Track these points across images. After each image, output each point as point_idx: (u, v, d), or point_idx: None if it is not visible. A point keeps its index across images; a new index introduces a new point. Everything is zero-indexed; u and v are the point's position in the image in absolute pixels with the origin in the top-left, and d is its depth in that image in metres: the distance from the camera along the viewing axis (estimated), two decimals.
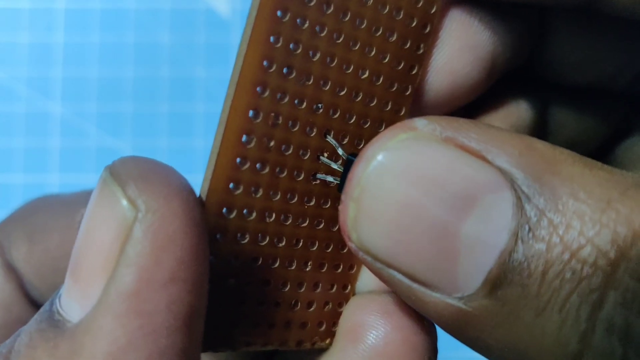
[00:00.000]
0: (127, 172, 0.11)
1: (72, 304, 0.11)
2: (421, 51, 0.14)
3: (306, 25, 0.13)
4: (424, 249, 0.11)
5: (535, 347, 0.11)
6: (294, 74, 0.13)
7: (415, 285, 0.11)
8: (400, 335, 0.13)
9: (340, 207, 0.12)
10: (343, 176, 0.13)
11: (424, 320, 0.14)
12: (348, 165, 0.13)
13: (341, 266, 0.15)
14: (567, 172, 0.11)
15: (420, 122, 0.11)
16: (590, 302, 0.10)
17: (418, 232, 0.11)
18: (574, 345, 0.10)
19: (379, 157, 0.11)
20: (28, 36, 0.33)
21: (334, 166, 0.13)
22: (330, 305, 0.15)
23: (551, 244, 0.10)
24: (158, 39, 0.34)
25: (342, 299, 0.15)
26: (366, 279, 0.15)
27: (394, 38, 0.14)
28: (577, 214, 0.10)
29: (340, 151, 0.13)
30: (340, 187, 0.13)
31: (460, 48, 0.14)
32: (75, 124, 0.33)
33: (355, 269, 0.15)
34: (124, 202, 0.10)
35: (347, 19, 0.13)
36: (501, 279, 0.11)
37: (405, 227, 0.11)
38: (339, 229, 0.14)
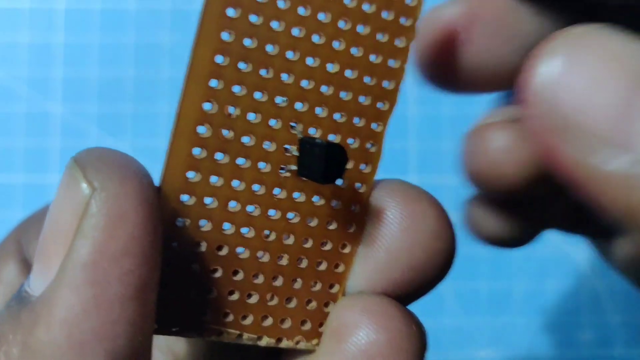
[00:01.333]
0: (88, 158, 0.12)
1: (37, 280, 0.12)
2: (402, 45, 0.14)
3: (261, 20, 0.13)
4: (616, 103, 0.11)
5: None
6: (250, 67, 0.13)
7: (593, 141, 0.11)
8: (386, 337, 0.13)
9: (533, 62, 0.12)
10: (298, 158, 0.13)
11: (413, 323, 0.14)
12: (302, 147, 0.13)
13: (324, 263, 0.14)
14: None
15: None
16: None
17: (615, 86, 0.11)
18: None
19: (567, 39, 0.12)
20: (28, 36, 0.33)
21: (297, 154, 0.14)
22: (315, 304, 0.14)
23: None
24: (159, 40, 0.34)
25: (329, 299, 0.15)
26: (357, 280, 0.15)
27: (367, 31, 0.14)
28: None
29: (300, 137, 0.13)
30: (298, 170, 0.13)
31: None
32: (76, 124, 0.33)
33: (342, 267, 0.15)
34: (83, 183, 0.11)
35: (308, 13, 0.13)
36: None
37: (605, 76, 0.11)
38: (318, 224, 0.14)
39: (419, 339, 0.14)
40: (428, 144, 0.34)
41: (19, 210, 0.33)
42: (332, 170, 0.13)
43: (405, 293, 0.14)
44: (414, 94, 0.35)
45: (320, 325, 0.15)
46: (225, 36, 0.13)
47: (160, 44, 0.34)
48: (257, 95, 0.13)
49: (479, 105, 0.35)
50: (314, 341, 0.15)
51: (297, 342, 0.15)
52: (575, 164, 0.12)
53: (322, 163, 0.12)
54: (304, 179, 0.14)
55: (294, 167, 0.14)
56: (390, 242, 0.14)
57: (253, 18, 0.13)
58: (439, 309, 0.33)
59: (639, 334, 0.34)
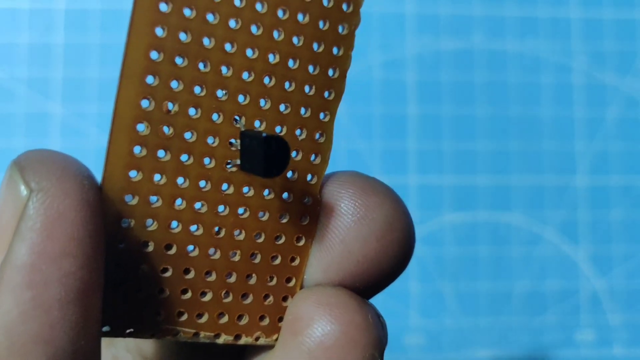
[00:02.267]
0: (27, 160, 0.12)
1: None
2: (345, 32, 0.14)
3: (195, 12, 0.12)
4: None
5: None
6: (187, 62, 0.13)
7: None
8: (341, 328, 0.13)
9: None
10: (240, 153, 0.13)
11: (369, 314, 0.14)
12: (243, 141, 0.13)
13: (279, 257, 0.14)
14: None
15: None
16: None
17: None
18: None
19: None
20: (28, 36, 0.33)
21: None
22: (272, 299, 0.14)
23: None
24: None
25: (287, 293, 0.14)
26: (313, 272, 0.14)
27: (307, 20, 0.13)
28: None
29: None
30: (241, 165, 0.13)
31: None
32: (76, 124, 0.33)
33: (297, 261, 0.14)
34: (21, 185, 0.11)
35: (244, 4, 0.13)
36: None
37: None
38: (270, 218, 0.14)
39: (375, 329, 0.14)
40: (428, 144, 0.34)
41: None
42: (273, 163, 0.12)
43: (363, 285, 0.14)
44: (414, 94, 0.35)
45: (280, 320, 0.14)
46: (159, 31, 0.12)
47: None
48: (197, 89, 0.13)
49: (479, 105, 0.35)
50: (274, 336, 0.14)
51: (257, 338, 0.14)
52: None
53: (263, 156, 0.12)
54: (248, 173, 0.13)
55: (239, 162, 0.13)
56: (345, 233, 0.14)
57: (187, 12, 0.12)
58: (440, 309, 0.33)
59: (639, 334, 0.34)
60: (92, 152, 0.33)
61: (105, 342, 0.16)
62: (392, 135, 0.34)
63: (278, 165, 0.12)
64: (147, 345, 0.17)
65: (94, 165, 0.14)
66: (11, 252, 0.11)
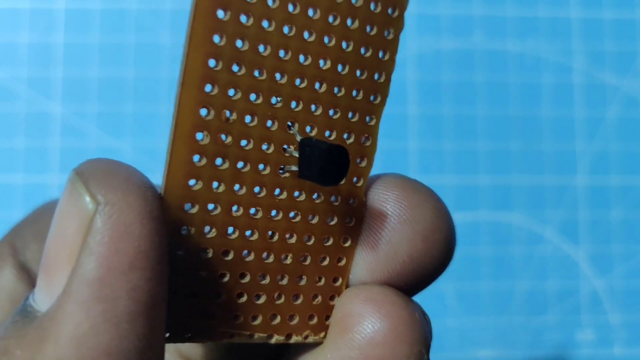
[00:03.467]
0: (90, 171, 0.12)
1: (42, 295, 0.12)
2: (391, 36, 0.14)
3: (252, 20, 0.12)
4: None
5: None
6: (244, 70, 0.13)
7: None
8: (390, 324, 0.13)
9: None
10: (299, 161, 0.13)
11: (416, 311, 0.14)
12: (302, 149, 0.13)
13: (327, 258, 0.15)
14: None
15: None
16: None
17: None
18: None
19: None
20: (28, 36, 0.33)
21: (296, 155, 0.13)
22: (320, 299, 0.15)
23: None
24: (159, 40, 0.34)
25: (334, 292, 0.15)
26: (359, 272, 0.15)
27: (356, 25, 0.14)
28: None
29: (299, 139, 0.13)
30: (299, 172, 0.13)
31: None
32: (76, 124, 0.33)
33: (344, 261, 0.15)
34: (86, 197, 0.11)
35: (297, 10, 0.13)
36: None
37: None
38: (319, 221, 0.14)
39: (422, 326, 0.14)
40: (428, 144, 0.34)
41: (19, 210, 0.32)
42: (333, 172, 0.12)
43: (408, 284, 0.15)
44: (415, 94, 0.35)
45: (327, 318, 0.15)
46: (216, 39, 0.12)
47: (161, 44, 0.34)
48: (253, 97, 0.13)
49: (480, 105, 0.35)
50: (322, 334, 0.15)
51: (306, 337, 0.15)
52: None
53: (323, 165, 0.12)
54: (306, 180, 0.13)
55: (293, 168, 0.13)
56: (391, 234, 0.14)
57: (243, 18, 0.12)
58: (441, 309, 0.33)
59: (639, 333, 0.34)
60: (92, 152, 0.33)
61: None
62: (392, 135, 0.34)
63: (337, 174, 0.13)
64: (185, 345, 0.17)
65: None
66: (79, 266, 0.11)
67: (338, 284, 0.15)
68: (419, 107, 0.34)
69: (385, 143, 0.37)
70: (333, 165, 0.12)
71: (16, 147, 0.33)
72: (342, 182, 0.14)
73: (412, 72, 0.34)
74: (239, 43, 0.12)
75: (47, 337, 0.11)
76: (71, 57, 0.33)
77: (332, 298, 0.15)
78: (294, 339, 0.15)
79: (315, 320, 0.15)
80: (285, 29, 0.13)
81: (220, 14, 0.12)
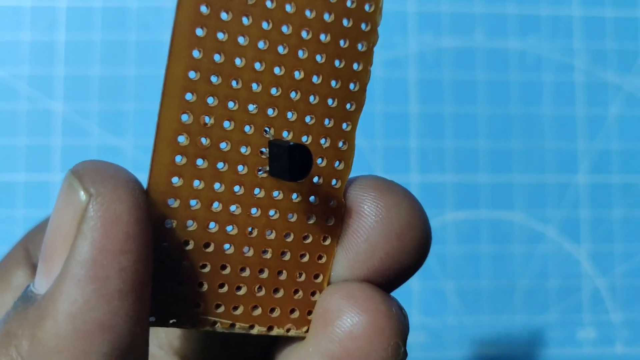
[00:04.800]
0: (84, 169, 0.13)
1: (41, 281, 0.13)
2: (364, 49, 0.15)
3: (228, 36, 0.14)
4: None
5: None
6: (221, 80, 0.14)
7: None
8: (368, 318, 0.14)
9: None
10: (269, 160, 0.14)
11: (393, 306, 0.15)
12: (271, 149, 0.14)
13: (307, 255, 0.15)
14: None
15: None
16: None
17: None
18: None
19: None
20: (30, 34, 0.33)
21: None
22: (302, 294, 0.16)
23: None
24: (160, 38, 0.34)
25: (315, 288, 0.16)
26: (340, 269, 0.16)
27: (329, 39, 0.15)
28: None
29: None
30: (270, 170, 0.15)
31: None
32: (77, 122, 0.33)
33: (324, 259, 0.16)
34: (81, 191, 0.13)
35: (271, 26, 0.14)
36: None
37: None
38: (298, 220, 0.15)
39: (399, 320, 0.15)
40: (429, 142, 0.34)
41: (20, 208, 0.33)
42: (298, 168, 0.14)
43: (386, 280, 0.16)
44: (416, 93, 0.35)
45: (309, 313, 0.16)
46: (195, 54, 0.14)
47: (162, 42, 0.34)
48: (230, 104, 0.14)
49: (481, 103, 0.35)
50: (304, 329, 0.16)
51: (288, 330, 0.16)
52: None
53: (288, 162, 0.14)
54: (276, 178, 0.15)
55: (268, 169, 0.15)
56: (368, 233, 0.15)
57: (220, 35, 0.14)
58: (442, 307, 0.33)
59: None
60: (93, 150, 0.33)
61: None
62: (393, 133, 0.34)
63: (302, 170, 0.14)
64: (178, 342, 0.18)
65: None
66: (75, 249, 0.12)
67: (319, 280, 0.16)
68: (419, 106, 0.34)
69: (386, 141, 0.37)
70: (297, 162, 0.14)
71: (17, 145, 0.33)
72: (319, 182, 0.15)
73: (414, 71, 0.35)
74: (216, 57, 0.14)
75: (46, 315, 0.12)
76: (73, 55, 0.33)
77: (313, 294, 0.16)
78: (276, 331, 0.15)
79: (297, 315, 0.16)
80: (260, 44, 0.14)
81: (198, 31, 0.14)
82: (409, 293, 0.33)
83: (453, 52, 0.35)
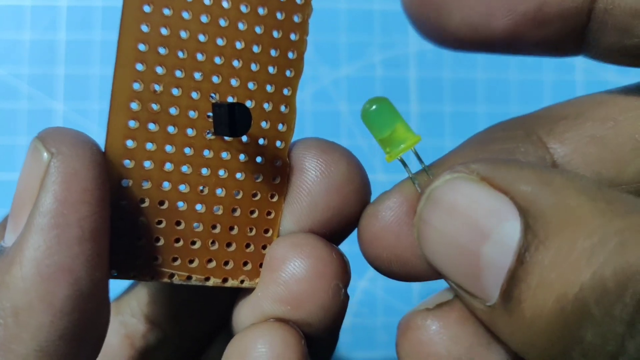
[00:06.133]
0: (46, 133, 0.14)
1: (10, 235, 0.14)
2: (300, 20, 0.16)
3: (173, 11, 0.15)
4: (462, 268, 0.14)
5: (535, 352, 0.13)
6: (168, 51, 0.15)
7: (462, 292, 0.14)
8: (309, 263, 0.16)
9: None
10: (214, 121, 0.16)
11: (333, 252, 0.16)
12: (214, 111, 0.16)
13: (257, 212, 0.17)
14: (570, 203, 0.13)
15: (461, 167, 0.14)
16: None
17: (454, 254, 0.14)
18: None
19: (428, 194, 0.15)
20: (30, 34, 0.33)
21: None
22: (253, 247, 0.17)
23: (544, 268, 0.12)
24: None
25: (266, 242, 0.17)
26: (287, 223, 0.17)
27: (266, 12, 0.16)
28: (569, 243, 0.12)
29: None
30: (214, 130, 0.16)
31: None
32: (78, 121, 0.33)
33: (273, 214, 0.17)
34: (44, 152, 0.14)
35: (213, 1, 0.15)
36: (509, 294, 0.13)
37: (446, 248, 0.14)
38: (246, 179, 0.16)
39: (338, 264, 0.16)
40: (430, 141, 0.34)
41: None
42: (237, 124, 0.15)
43: (329, 230, 0.17)
44: (416, 92, 0.35)
45: (261, 265, 0.17)
46: (144, 28, 0.15)
47: None
48: (178, 73, 0.15)
49: (481, 103, 0.35)
50: (256, 280, 0.17)
51: (242, 281, 0.17)
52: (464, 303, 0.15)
53: (228, 120, 0.15)
54: (223, 137, 0.16)
55: (214, 129, 0.16)
56: (310, 187, 0.17)
57: (166, 11, 0.15)
58: None
59: None
60: None
61: (113, 310, 0.20)
62: None
63: (242, 126, 0.15)
64: (148, 308, 0.20)
65: None
66: (38, 202, 0.14)
67: (269, 234, 0.17)
68: (420, 105, 0.34)
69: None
70: (236, 119, 0.15)
71: (18, 144, 0.33)
72: (264, 143, 0.16)
73: (414, 70, 0.35)
74: (163, 30, 0.15)
75: (14, 261, 0.14)
76: (73, 54, 0.33)
77: (264, 247, 0.17)
78: (230, 282, 0.17)
79: (249, 267, 0.17)
80: (203, 18, 0.15)
81: (146, 8, 0.15)
82: (409, 292, 0.33)
83: (453, 51, 0.35)
